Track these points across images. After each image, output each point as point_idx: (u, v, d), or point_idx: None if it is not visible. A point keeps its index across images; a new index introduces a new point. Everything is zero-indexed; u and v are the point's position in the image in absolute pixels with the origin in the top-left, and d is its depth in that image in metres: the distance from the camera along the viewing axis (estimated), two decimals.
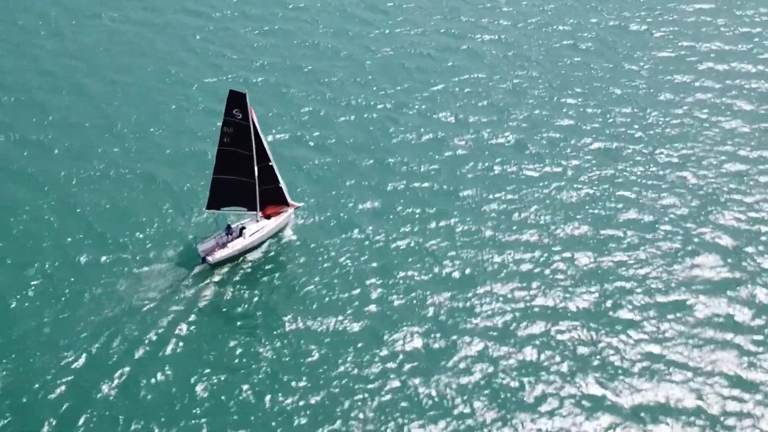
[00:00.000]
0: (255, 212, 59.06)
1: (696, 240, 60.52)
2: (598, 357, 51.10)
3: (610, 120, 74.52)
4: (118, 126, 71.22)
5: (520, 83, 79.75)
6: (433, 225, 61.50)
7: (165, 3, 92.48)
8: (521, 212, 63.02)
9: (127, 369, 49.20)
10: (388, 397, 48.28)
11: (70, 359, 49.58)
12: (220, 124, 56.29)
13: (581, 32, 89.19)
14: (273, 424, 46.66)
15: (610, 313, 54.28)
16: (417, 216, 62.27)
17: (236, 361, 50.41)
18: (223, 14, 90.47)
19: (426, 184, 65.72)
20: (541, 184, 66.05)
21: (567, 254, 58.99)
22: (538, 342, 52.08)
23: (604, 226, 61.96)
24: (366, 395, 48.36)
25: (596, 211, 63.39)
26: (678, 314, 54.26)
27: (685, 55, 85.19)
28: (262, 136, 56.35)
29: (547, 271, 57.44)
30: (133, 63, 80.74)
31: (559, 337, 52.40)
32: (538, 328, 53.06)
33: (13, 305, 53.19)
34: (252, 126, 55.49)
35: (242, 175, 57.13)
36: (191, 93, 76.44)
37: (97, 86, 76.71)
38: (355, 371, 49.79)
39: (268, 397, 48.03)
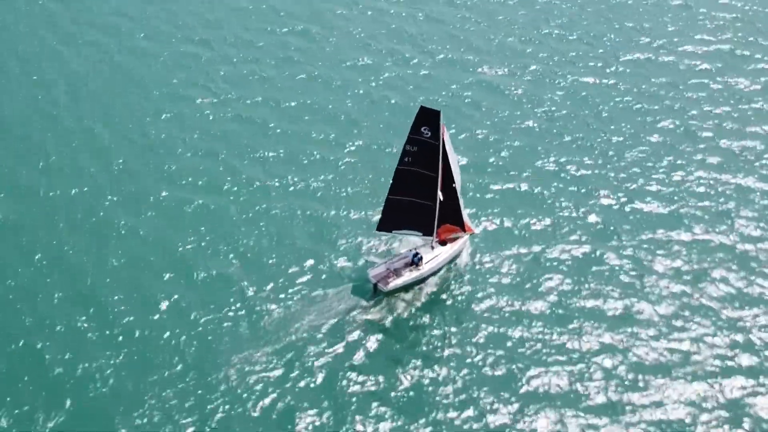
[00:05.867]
0: (430, 237, 54.45)
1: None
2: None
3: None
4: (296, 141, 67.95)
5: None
6: (615, 267, 56.35)
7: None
8: None
9: (295, 393, 46.46)
10: None
11: (245, 385, 46.65)
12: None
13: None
14: None
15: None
16: (606, 256, 56.91)
17: (405, 394, 46.84)
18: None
19: (602, 216, 60.53)
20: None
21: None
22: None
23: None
24: None
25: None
26: None
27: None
28: (452, 157, 51.79)
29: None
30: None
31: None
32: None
33: (187, 321, 50.30)
34: (441, 146, 50.88)
35: (422, 198, 52.59)
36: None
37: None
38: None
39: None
